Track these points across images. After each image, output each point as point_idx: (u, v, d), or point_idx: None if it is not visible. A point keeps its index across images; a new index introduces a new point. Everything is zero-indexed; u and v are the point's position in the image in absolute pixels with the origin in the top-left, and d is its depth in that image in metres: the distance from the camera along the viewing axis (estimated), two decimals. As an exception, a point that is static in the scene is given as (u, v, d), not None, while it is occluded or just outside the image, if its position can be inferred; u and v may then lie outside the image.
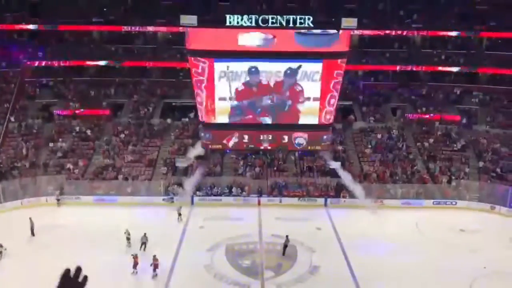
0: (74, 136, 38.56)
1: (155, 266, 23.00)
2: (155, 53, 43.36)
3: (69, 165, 35.54)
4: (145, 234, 26.34)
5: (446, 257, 25.53)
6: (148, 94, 42.91)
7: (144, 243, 26.16)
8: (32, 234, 27.40)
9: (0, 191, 31.76)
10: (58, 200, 32.45)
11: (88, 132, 38.80)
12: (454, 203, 33.49)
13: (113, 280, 22.44)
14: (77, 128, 39.04)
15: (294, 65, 22.81)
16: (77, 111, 40.17)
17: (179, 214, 30.46)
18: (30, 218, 27.58)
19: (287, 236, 26.09)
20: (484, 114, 41.08)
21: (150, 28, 42.14)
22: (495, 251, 26.36)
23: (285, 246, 25.97)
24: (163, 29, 42.22)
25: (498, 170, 35.06)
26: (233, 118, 23.91)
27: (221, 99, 23.39)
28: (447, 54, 43.32)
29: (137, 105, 41.82)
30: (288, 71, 22.92)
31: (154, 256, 23.15)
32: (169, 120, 40.66)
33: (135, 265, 23.22)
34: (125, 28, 41.40)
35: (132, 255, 23.50)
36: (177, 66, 41.89)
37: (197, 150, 32.94)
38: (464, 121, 40.53)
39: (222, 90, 23.24)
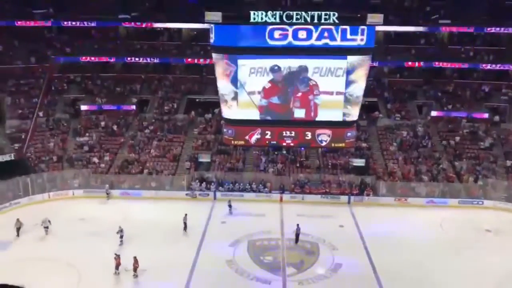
0: (100, 131, 39.26)
1: (135, 268, 22.51)
2: (179, 50, 43.69)
3: (95, 159, 36.22)
4: (186, 214, 27.88)
5: (471, 258, 25.05)
6: (172, 91, 43.32)
7: (185, 223, 27.71)
8: (17, 234, 26.62)
9: (29, 184, 32.53)
10: (108, 194, 33.05)
11: (114, 127, 39.43)
12: (480, 202, 32.82)
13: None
14: (103, 123, 39.72)
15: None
16: (103, 107, 40.88)
17: (230, 206, 30.97)
18: (17, 219, 26.95)
19: (297, 224, 26.92)
20: (514, 112, 40.12)
21: (175, 25, 42.53)
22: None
23: (297, 234, 26.71)
24: (187, 25, 42.51)
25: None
26: (264, 116, 24.03)
27: (250, 93, 23.43)
28: (475, 50, 42.38)
29: (162, 101, 42.28)
30: (302, 66, 22.98)
31: (135, 257, 22.68)
32: (193, 115, 40.93)
33: (117, 266, 22.75)
34: (150, 25, 41.86)
35: (115, 255, 23.07)
36: (201, 63, 42.12)
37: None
38: (496, 119, 39.63)
39: (250, 85, 23.29)
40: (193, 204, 32.59)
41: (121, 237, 25.86)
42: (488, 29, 40.39)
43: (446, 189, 33.62)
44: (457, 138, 38.08)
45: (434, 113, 40.24)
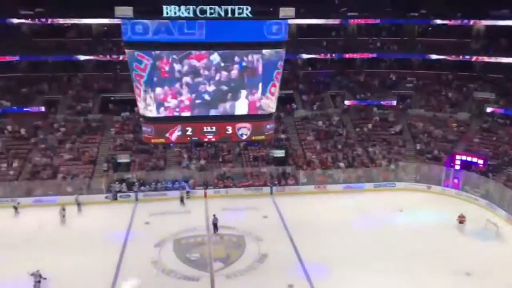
0: (6, 135, 36.56)
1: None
2: (90, 46, 41.79)
3: (3, 166, 33.70)
4: (215, 215, 27.21)
5: (387, 237, 26.60)
6: (84, 89, 41.34)
7: (216, 224, 27.19)
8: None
9: None
10: (16, 207, 30.04)
11: (22, 131, 36.89)
12: (393, 185, 34.88)
13: None
14: (10, 127, 37.02)
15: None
16: (8, 109, 38.02)
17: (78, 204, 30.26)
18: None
19: (214, 214, 27.24)
20: (418, 98, 42.93)
21: (84, 20, 40.67)
22: (433, 229, 27.67)
23: (214, 224, 27.18)
24: (97, 21, 40.81)
25: (436, 152, 36.68)
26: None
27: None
28: (382, 41, 44.81)
29: (73, 100, 40.21)
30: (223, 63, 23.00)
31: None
32: (108, 115, 39.44)
33: None
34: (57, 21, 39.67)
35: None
36: (114, 59, 40.68)
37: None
38: (401, 105, 42.19)
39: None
40: (114, 207, 31.50)
41: (38, 281, 21.48)
42: (392, 20, 43.04)
43: (361, 174, 35.34)
44: (369, 125, 40.13)
45: (347, 102, 42.04)
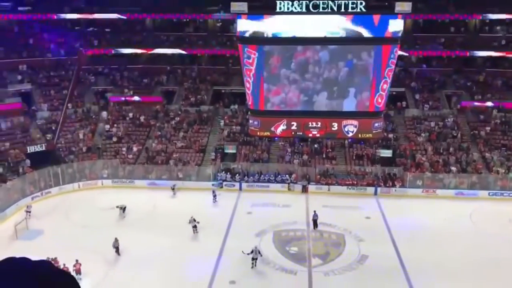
0: (128, 122, 39.84)
1: (78, 270, 21.33)
2: (205, 41, 43.83)
3: (124, 150, 36.83)
4: (315, 212, 27.53)
5: (501, 250, 24.49)
6: (198, 82, 43.53)
7: (316, 221, 27.28)
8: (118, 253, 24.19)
9: (60, 174, 33.35)
10: (173, 188, 32.90)
11: (141, 118, 39.95)
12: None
13: (166, 263, 23.20)
14: (131, 114, 40.27)
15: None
16: (131, 98, 41.40)
17: (214, 196, 31.34)
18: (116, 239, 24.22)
19: (314, 211, 27.33)
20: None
21: (201, 16, 42.71)
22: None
23: (314, 220, 27.12)
24: (213, 16, 42.62)
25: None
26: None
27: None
28: (507, 38, 41.12)
29: (188, 92, 42.55)
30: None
31: (77, 260, 21.58)
32: (219, 107, 41.16)
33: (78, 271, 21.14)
34: (177, 16, 42.12)
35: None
36: (227, 53, 42.24)
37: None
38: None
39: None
40: (219, 195, 32.83)
41: (195, 227, 25.88)
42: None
43: (476, 180, 32.92)
44: (488, 129, 37.18)
45: (463, 103, 39.33)
